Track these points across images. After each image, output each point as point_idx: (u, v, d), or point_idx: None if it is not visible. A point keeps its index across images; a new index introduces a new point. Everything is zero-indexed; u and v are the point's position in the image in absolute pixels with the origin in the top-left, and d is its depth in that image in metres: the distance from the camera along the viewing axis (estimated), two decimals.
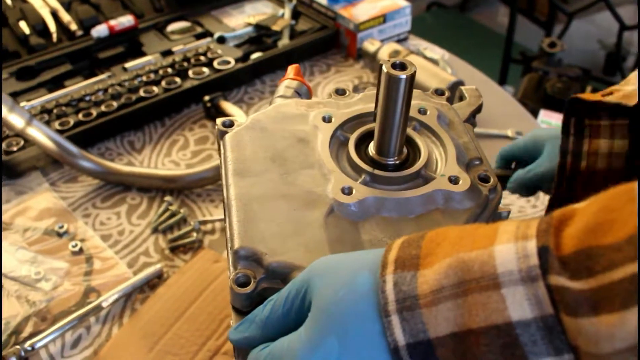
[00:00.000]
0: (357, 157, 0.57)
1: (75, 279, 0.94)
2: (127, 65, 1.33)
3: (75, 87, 1.26)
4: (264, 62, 1.35)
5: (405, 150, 0.58)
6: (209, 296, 0.91)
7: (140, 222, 1.04)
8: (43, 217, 1.04)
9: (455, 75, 1.29)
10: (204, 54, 1.35)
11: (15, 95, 1.24)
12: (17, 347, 0.83)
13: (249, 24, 1.45)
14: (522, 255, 0.36)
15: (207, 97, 1.24)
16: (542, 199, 1.09)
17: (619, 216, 0.34)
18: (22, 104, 1.21)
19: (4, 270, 0.94)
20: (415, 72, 0.51)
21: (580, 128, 0.70)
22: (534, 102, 2.11)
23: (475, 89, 0.71)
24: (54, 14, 1.43)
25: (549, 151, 0.82)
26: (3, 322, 0.88)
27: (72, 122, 1.17)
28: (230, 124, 0.63)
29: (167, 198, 1.06)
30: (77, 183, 1.11)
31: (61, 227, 1.02)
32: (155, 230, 1.02)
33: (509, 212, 0.60)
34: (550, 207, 0.77)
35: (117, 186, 1.10)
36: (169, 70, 1.30)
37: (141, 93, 1.24)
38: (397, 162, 0.57)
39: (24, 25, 1.39)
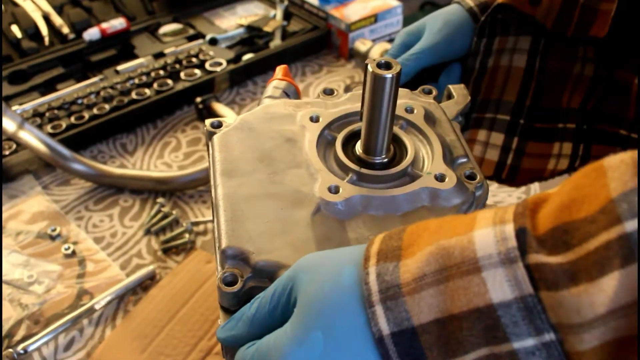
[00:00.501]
0: (344, 156, 0.57)
1: (68, 282, 0.95)
2: (120, 67, 1.33)
3: (68, 90, 1.27)
4: (255, 63, 1.35)
5: (392, 148, 0.59)
6: (202, 297, 0.91)
7: (132, 224, 1.04)
8: (36, 221, 1.04)
9: None
10: (196, 56, 1.35)
11: (7, 99, 1.25)
12: (10, 350, 0.83)
13: (241, 25, 1.46)
14: (500, 238, 0.37)
15: (199, 99, 1.24)
16: None
17: (590, 191, 0.35)
18: (14, 107, 1.21)
19: None
20: (400, 71, 0.51)
21: (493, 27, 0.74)
22: None
23: (464, 87, 0.72)
24: (46, 17, 1.44)
25: (429, 29, 0.80)
26: None
27: (64, 125, 1.17)
28: (219, 125, 0.63)
29: (160, 200, 1.06)
30: (69, 186, 1.11)
31: (54, 230, 1.02)
32: (147, 232, 1.03)
33: None
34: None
35: (109, 189, 1.10)
36: (161, 72, 1.30)
37: (133, 95, 1.24)
38: (384, 160, 0.57)
39: (15, 29, 1.39)
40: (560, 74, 0.75)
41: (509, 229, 0.37)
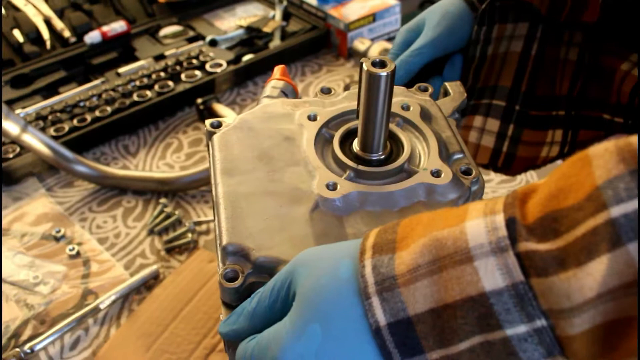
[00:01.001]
0: (342, 154, 0.58)
1: (73, 282, 0.96)
2: (121, 70, 1.34)
3: (70, 94, 1.28)
4: (255, 63, 1.36)
5: (388, 145, 0.60)
6: (205, 295, 0.92)
7: (136, 224, 1.05)
8: (40, 222, 1.06)
9: None
10: (196, 57, 1.37)
11: (10, 103, 1.26)
12: (17, 350, 0.84)
13: (240, 27, 1.47)
14: (491, 228, 0.38)
15: (199, 100, 1.25)
16: None
17: (577, 180, 0.36)
18: (17, 111, 1.23)
19: (2, 275, 0.96)
20: (395, 69, 0.52)
21: (492, 14, 0.75)
22: None
23: (460, 84, 0.73)
24: (47, 21, 1.45)
25: (428, 24, 0.80)
26: (3, 325, 0.89)
27: (67, 127, 1.18)
28: (219, 125, 0.64)
29: (162, 200, 1.08)
30: (73, 188, 1.13)
31: (58, 231, 1.03)
32: (151, 232, 1.04)
33: None
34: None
35: (112, 190, 1.12)
36: (162, 74, 1.31)
37: (135, 97, 1.26)
38: (381, 157, 0.58)
39: (17, 34, 1.41)
40: (552, 60, 0.76)
41: (499, 219, 0.38)
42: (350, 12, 1.43)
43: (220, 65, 1.34)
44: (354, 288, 0.42)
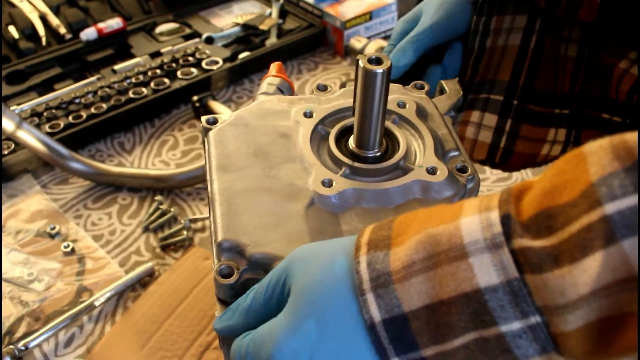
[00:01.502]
0: (337, 151, 0.58)
1: (67, 279, 0.96)
2: (116, 67, 1.34)
3: (65, 90, 1.28)
4: (252, 61, 1.36)
5: (384, 143, 0.60)
6: (200, 293, 0.92)
7: (131, 221, 1.05)
8: (35, 219, 1.05)
9: None
10: (192, 55, 1.36)
11: (6, 99, 1.25)
12: (11, 347, 0.84)
13: (237, 24, 1.47)
14: (486, 224, 0.38)
15: (195, 97, 1.25)
16: None
17: (572, 177, 0.36)
18: (13, 107, 1.22)
19: None
20: (391, 66, 0.52)
21: (491, 5, 0.74)
22: None
23: (456, 81, 0.73)
24: (43, 18, 1.44)
25: (426, 12, 0.79)
26: None
27: (62, 124, 1.18)
28: (215, 121, 0.64)
29: (158, 197, 1.07)
30: (68, 185, 1.12)
31: (53, 228, 1.03)
32: (146, 230, 1.04)
33: None
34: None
35: (108, 187, 1.11)
36: (158, 71, 1.31)
37: (130, 94, 1.25)
38: (377, 154, 0.58)
39: (13, 30, 1.40)
40: (553, 55, 0.76)
41: (494, 215, 0.38)
42: (346, 10, 1.43)
43: (216, 62, 1.34)
44: (349, 284, 0.42)
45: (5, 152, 1.12)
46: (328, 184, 0.55)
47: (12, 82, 1.30)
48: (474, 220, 0.39)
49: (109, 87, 1.27)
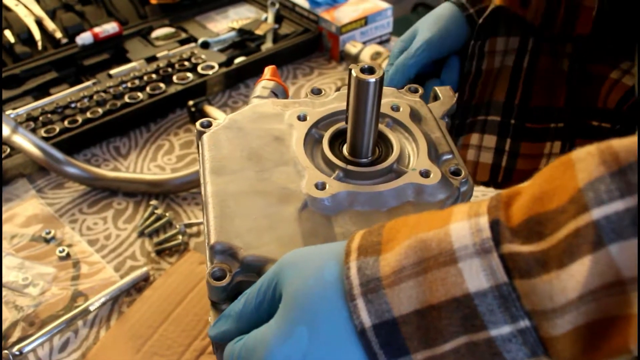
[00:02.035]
0: (331, 154, 0.58)
1: (62, 284, 0.95)
2: (112, 71, 1.34)
3: (61, 95, 1.27)
4: (247, 66, 1.36)
5: (377, 151, 0.60)
6: (195, 298, 0.92)
7: (126, 226, 1.05)
8: (30, 224, 1.05)
9: None
10: (188, 59, 1.36)
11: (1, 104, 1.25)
12: (6, 351, 0.84)
13: (233, 29, 1.47)
14: (475, 230, 0.38)
15: (191, 102, 1.25)
16: None
17: (560, 183, 0.36)
18: (8, 112, 1.22)
19: None
20: (383, 75, 0.52)
21: (485, 28, 0.76)
22: None
23: (450, 88, 0.73)
24: (39, 22, 1.45)
25: (421, 28, 0.80)
26: None
27: (57, 129, 1.18)
28: (209, 125, 0.64)
29: (153, 202, 1.07)
30: (63, 189, 1.12)
31: (48, 233, 1.02)
32: (141, 234, 1.03)
33: None
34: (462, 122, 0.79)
35: (103, 191, 1.11)
36: (154, 76, 1.31)
37: (126, 99, 1.25)
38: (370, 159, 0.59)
39: (8, 34, 1.40)
40: (547, 72, 0.77)
41: (484, 220, 0.38)
42: (342, 15, 1.44)
43: (212, 67, 1.34)
44: (340, 290, 0.42)
45: (1, 156, 1.12)
46: (321, 186, 0.55)
47: (8, 87, 1.30)
48: (463, 225, 0.39)
49: (104, 91, 1.27)
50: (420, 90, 0.70)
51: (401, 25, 1.52)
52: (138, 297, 0.93)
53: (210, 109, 1.25)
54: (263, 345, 0.44)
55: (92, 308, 0.90)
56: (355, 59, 1.38)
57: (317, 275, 0.43)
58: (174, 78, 1.31)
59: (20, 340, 0.86)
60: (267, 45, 1.43)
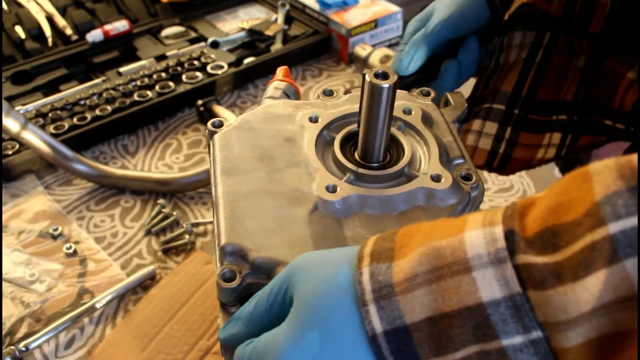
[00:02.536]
0: (342, 156, 0.58)
1: (69, 281, 0.95)
2: (122, 69, 1.34)
3: (70, 91, 1.28)
4: (257, 66, 1.36)
5: (388, 156, 0.60)
6: (201, 297, 0.92)
7: (133, 224, 1.05)
8: (38, 220, 1.05)
9: None
10: (198, 59, 1.37)
11: (11, 100, 1.26)
12: (12, 347, 0.84)
13: (243, 29, 1.47)
14: (490, 239, 0.38)
15: (200, 102, 1.25)
16: None
17: (577, 195, 0.36)
18: (18, 108, 1.22)
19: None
20: (397, 80, 0.52)
21: (507, 24, 0.74)
22: None
23: (461, 94, 0.73)
24: (50, 18, 1.45)
25: (438, 7, 0.79)
26: None
27: (66, 125, 1.18)
28: (220, 125, 0.64)
29: (160, 201, 1.07)
30: (71, 186, 1.12)
31: (55, 229, 1.03)
32: (148, 233, 1.04)
33: None
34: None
35: (111, 189, 1.11)
36: (163, 74, 1.31)
37: (135, 97, 1.25)
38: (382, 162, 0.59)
39: (19, 30, 1.40)
40: (560, 67, 0.76)
41: (498, 230, 0.38)
42: (352, 18, 1.43)
43: (221, 67, 1.34)
44: (352, 295, 0.42)
45: (10, 152, 1.12)
46: (332, 189, 0.55)
47: (18, 83, 1.30)
48: (477, 234, 0.39)
49: (114, 89, 1.27)
50: (432, 94, 0.69)
51: None
52: (144, 295, 0.93)
53: (219, 109, 1.25)
54: (274, 349, 0.43)
55: (98, 305, 0.90)
56: (364, 61, 1.38)
57: (330, 280, 0.43)
58: (183, 77, 1.31)
59: (26, 336, 0.86)
60: (277, 46, 1.43)
